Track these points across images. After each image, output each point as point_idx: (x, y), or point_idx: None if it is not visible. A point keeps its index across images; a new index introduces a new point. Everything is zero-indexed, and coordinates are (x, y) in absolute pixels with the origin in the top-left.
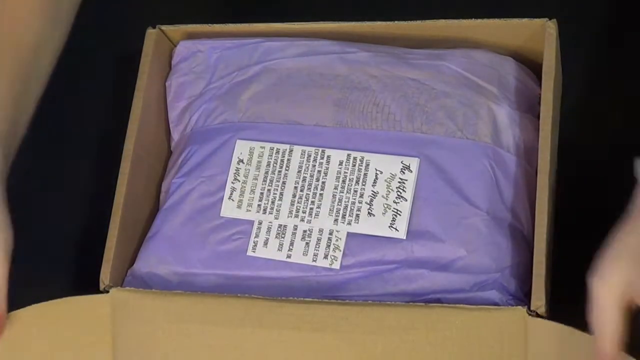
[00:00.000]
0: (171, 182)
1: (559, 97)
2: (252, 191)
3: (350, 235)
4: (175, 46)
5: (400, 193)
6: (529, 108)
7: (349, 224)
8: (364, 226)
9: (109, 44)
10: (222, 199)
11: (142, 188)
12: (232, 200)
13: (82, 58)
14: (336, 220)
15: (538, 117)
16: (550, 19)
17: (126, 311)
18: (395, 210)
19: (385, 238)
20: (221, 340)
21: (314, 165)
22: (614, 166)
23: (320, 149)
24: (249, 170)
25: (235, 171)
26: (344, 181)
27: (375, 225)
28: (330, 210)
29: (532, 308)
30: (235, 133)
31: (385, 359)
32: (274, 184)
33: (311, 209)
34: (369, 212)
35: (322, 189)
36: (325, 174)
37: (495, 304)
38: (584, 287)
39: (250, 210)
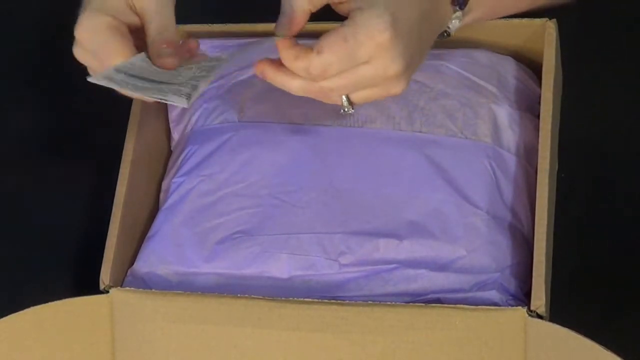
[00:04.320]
0: (171, 182)
1: (559, 97)
2: None
3: (349, 233)
4: None
5: None
6: (529, 108)
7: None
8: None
9: None
10: (222, 198)
11: (142, 188)
12: None
13: None
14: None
15: (538, 117)
16: (550, 19)
17: (126, 311)
18: None
19: (385, 236)
20: (221, 340)
21: None
22: (614, 165)
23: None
24: None
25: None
26: None
27: None
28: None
29: (532, 308)
30: (235, 133)
31: (385, 359)
32: None
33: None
34: None
35: None
36: None
37: (495, 304)
38: (584, 287)
39: None
